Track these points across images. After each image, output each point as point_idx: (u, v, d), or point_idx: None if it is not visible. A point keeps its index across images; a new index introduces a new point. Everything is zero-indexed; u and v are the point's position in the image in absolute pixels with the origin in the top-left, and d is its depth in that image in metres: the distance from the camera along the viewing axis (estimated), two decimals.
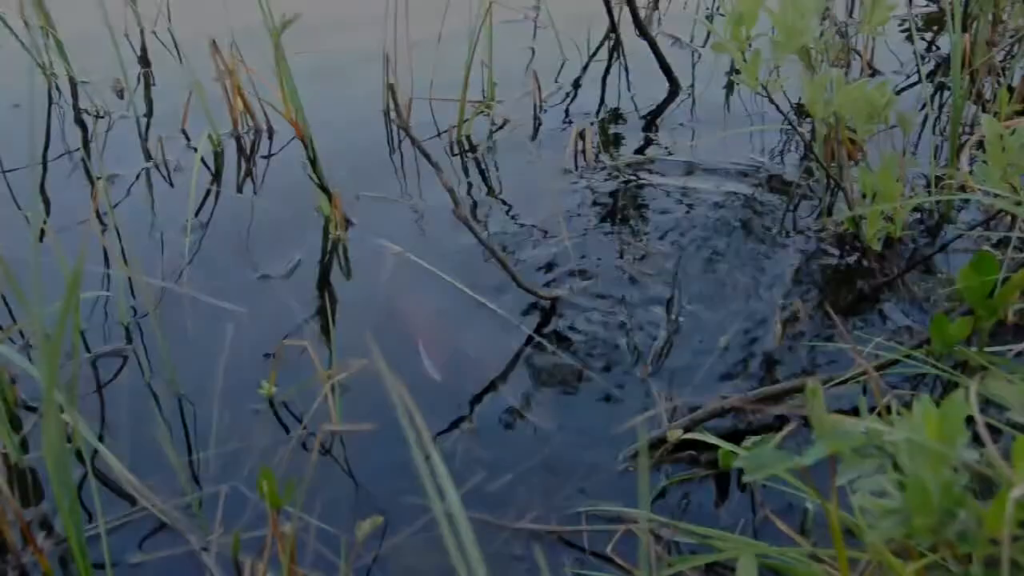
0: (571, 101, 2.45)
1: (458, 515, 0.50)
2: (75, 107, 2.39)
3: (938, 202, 1.80)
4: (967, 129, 2.10)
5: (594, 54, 2.73)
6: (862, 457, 0.90)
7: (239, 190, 2.04)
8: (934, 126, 2.21)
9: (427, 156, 1.35)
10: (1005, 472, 0.68)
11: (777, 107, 1.46)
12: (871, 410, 1.22)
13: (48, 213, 1.93)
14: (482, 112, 2.29)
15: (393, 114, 2.25)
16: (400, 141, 2.25)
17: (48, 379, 0.89)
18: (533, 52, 2.74)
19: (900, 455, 0.78)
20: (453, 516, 0.49)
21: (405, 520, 1.21)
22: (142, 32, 2.82)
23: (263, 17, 1.64)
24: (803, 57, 1.42)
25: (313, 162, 1.73)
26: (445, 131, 2.27)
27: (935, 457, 0.73)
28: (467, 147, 2.19)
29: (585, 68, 2.65)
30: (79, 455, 1.28)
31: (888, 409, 1.19)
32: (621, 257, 1.75)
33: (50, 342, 0.91)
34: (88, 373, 1.47)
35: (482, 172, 2.12)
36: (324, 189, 1.76)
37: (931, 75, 2.51)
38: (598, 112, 2.39)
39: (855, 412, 1.31)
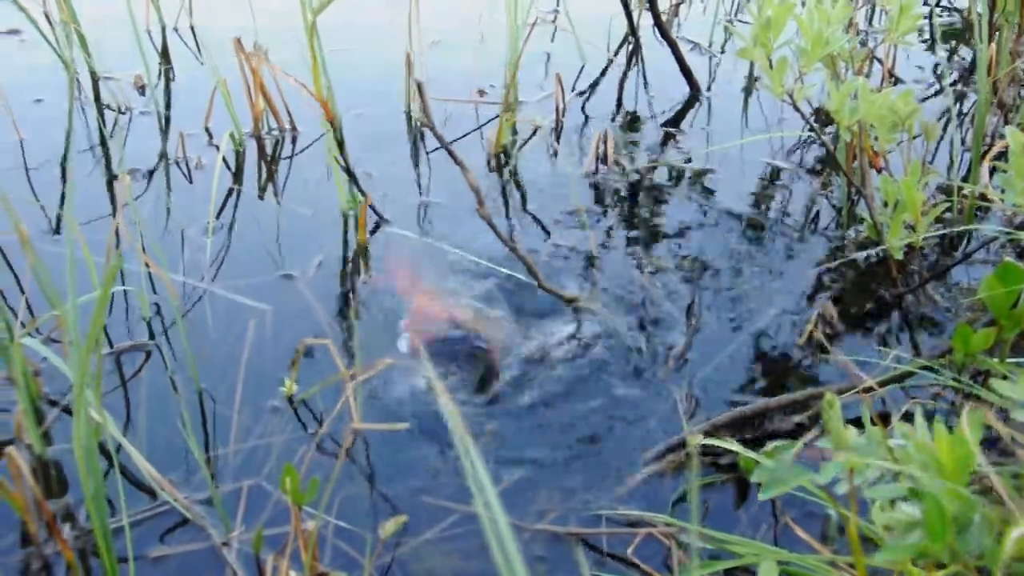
0: (591, 104, 2.45)
1: (500, 519, 0.50)
2: (97, 102, 2.41)
3: (960, 212, 1.80)
4: (989, 139, 2.09)
5: (614, 56, 2.73)
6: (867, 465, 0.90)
7: (260, 189, 2.05)
8: (951, 136, 2.21)
9: (453, 155, 1.35)
10: (1011, 506, 0.69)
11: (802, 114, 1.46)
12: (885, 417, 1.22)
13: (71, 208, 1.94)
14: (512, 121, 2.29)
15: (419, 114, 2.25)
16: (421, 141, 2.26)
17: (79, 377, 0.90)
18: (548, 56, 2.74)
19: (909, 465, 0.79)
20: (496, 521, 0.49)
21: (426, 521, 1.21)
22: (163, 29, 2.83)
23: None
24: (829, 65, 1.42)
25: (340, 144, 1.73)
26: (466, 135, 2.27)
27: (949, 491, 0.73)
28: (498, 152, 2.19)
29: (604, 71, 2.66)
30: (102, 449, 1.29)
31: (909, 416, 1.19)
32: (641, 261, 1.75)
33: (82, 340, 0.92)
34: (110, 367, 1.47)
35: (507, 173, 2.12)
36: (350, 173, 1.75)
37: (953, 85, 2.50)
38: (619, 115, 2.39)
39: (883, 418, 1.31)
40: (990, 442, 1.30)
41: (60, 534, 1.11)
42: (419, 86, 1.36)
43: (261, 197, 2.01)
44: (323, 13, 1.65)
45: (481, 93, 2.45)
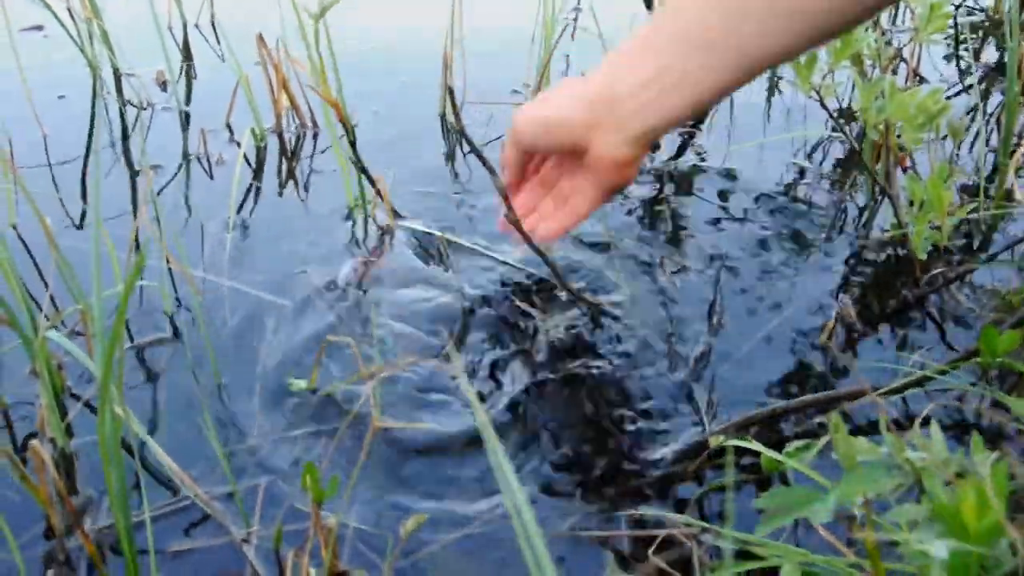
0: None
1: (532, 529, 0.50)
2: (119, 98, 2.42)
3: (987, 212, 1.78)
4: (1017, 139, 2.07)
5: None
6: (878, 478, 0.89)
7: (281, 186, 2.05)
8: (976, 135, 2.18)
9: (482, 159, 1.34)
10: None
11: (829, 113, 1.45)
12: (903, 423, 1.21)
13: (96, 203, 1.95)
14: None
15: (450, 117, 2.25)
16: (455, 144, 2.26)
17: (105, 372, 0.90)
18: (567, 59, 2.73)
19: (924, 477, 0.77)
20: (528, 532, 0.49)
21: (447, 522, 1.21)
22: (185, 25, 2.84)
23: None
24: (856, 63, 1.41)
25: (353, 144, 1.73)
26: (489, 142, 2.27)
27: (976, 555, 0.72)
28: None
29: None
30: (123, 443, 1.29)
31: (927, 421, 1.18)
32: (661, 261, 1.75)
33: (108, 334, 0.92)
34: (130, 362, 1.48)
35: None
36: (364, 171, 1.76)
37: (979, 83, 2.48)
38: None
39: (905, 422, 1.30)
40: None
41: (82, 527, 1.11)
42: (449, 91, 1.35)
43: (281, 193, 2.02)
44: (333, 12, 1.65)
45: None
